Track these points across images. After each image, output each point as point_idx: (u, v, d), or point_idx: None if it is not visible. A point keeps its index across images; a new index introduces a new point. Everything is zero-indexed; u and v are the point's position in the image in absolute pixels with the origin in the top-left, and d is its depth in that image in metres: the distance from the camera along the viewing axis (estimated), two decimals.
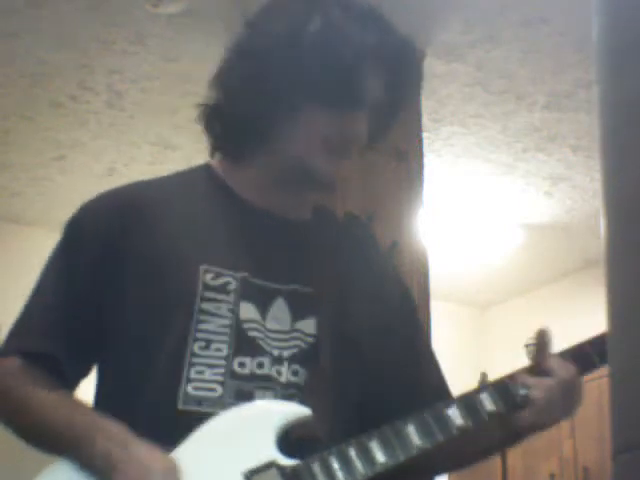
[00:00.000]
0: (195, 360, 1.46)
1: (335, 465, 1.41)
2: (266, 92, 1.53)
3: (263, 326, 1.50)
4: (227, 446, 1.42)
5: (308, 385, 1.50)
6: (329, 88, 1.52)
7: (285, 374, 1.49)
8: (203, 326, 1.47)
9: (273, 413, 1.45)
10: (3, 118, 4.49)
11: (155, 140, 4.71)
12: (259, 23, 1.59)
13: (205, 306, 1.48)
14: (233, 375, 1.47)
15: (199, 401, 1.44)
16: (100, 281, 1.51)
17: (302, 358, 1.51)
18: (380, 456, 1.43)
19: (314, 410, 1.45)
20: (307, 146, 1.54)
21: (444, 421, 1.48)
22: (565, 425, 5.39)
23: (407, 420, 1.46)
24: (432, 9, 3.67)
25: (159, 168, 4.66)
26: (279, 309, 1.53)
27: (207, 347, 1.47)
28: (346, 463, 1.41)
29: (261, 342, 1.49)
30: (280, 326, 1.51)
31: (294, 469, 1.41)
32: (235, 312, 1.49)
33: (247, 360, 1.48)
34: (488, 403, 1.51)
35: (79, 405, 1.47)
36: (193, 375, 1.45)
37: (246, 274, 1.52)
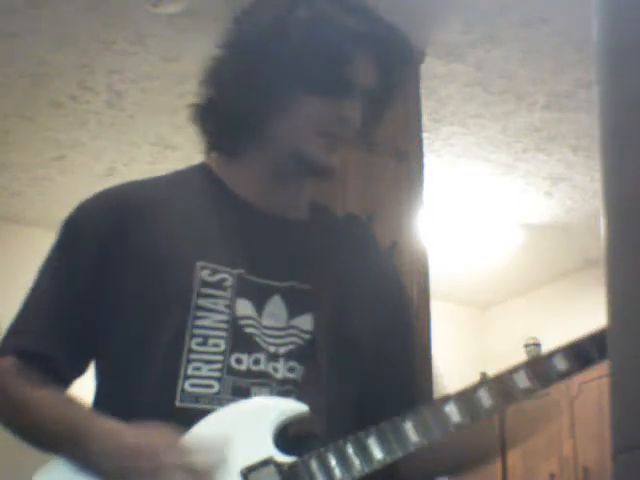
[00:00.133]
0: (192, 357, 1.46)
1: (332, 462, 1.41)
2: (257, 84, 1.53)
3: (259, 323, 1.51)
4: (224, 443, 1.42)
5: (305, 381, 1.50)
6: (319, 76, 1.52)
7: (281, 370, 1.49)
8: (200, 322, 1.48)
9: (270, 410, 1.45)
10: (3, 118, 4.48)
11: (155, 140, 4.70)
12: (246, 17, 1.60)
13: (202, 302, 1.48)
14: (230, 371, 1.47)
15: (196, 398, 1.45)
16: (97, 280, 1.51)
17: (298, 354, 1.51)
18: (377, 453, 1.43)
19: (311, 407, 1.45)
20: (301, 135, 1.54)
21: (442, 418, 1.48)
22: (565, 425, 5.39)
23: (404, 417, 1.46)
24: (432, 9, 3.67)
25: (159, 168, 4.66)
26: (275, 306, 1.53)
27: (204, 343, 1.47)
28: (343, 460, 1.42)
29: (257, 339, 1.50)
30: (276, 323, 1.52)
31: (291, 466, 1.41)
32: (231, 308, 1.49)
33: (244, 356, 1.48)
34: (485, 400, 1.51)
35: (74, 403, 1.47)
36: (190, 372, 1.45)
37: (242, 271, 1.52)
